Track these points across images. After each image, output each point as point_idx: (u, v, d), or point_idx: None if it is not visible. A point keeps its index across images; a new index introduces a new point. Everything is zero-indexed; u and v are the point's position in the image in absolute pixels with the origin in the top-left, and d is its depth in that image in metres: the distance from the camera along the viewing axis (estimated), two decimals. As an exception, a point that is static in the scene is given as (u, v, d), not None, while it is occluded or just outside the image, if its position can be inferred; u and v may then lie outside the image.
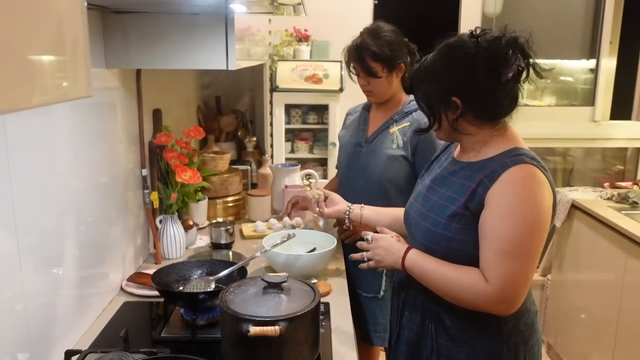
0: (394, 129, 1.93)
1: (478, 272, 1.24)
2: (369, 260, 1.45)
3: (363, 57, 1.88)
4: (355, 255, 1.49)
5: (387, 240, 1.42)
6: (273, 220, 2.26)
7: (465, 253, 1.27)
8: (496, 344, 1.30)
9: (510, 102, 1.28)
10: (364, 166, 1.97)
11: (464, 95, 1.25)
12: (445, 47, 1.30)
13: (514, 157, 1.24)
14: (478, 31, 1.27)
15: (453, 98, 1.26)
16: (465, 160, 1.34)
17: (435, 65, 1.30)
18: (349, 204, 1.77)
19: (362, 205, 1.76)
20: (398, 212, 1.61)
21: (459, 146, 1.41)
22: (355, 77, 1.99)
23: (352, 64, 1.93)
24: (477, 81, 1.24)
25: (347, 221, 1.77)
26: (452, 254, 1.29)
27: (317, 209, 1.81)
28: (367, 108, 2.09)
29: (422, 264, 1.33)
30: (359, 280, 2.00)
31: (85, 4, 0.58)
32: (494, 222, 1.22)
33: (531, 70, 1.27)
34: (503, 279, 1.20)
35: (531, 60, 1.25)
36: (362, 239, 1.48)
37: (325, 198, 1.83)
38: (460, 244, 1.27)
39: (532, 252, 1.22)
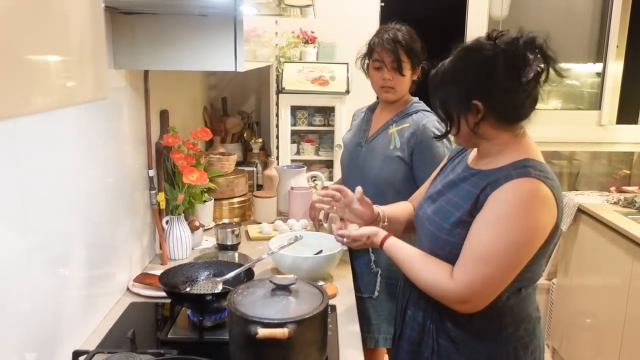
0: (393, 129, 1.94)
1: (447, 268, 1.26)
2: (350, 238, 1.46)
3: (397, 50, 1.88)
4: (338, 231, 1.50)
5: (361, 243, 1.46)
6: (279, 222, 2.26)
7: None
8: (496, 349, 1.31)
9: (531, 104, 1.27)
10: (362, 166, 1.99)
11: (485, 97, 1.24)
12: (463, 51, 1.29)
13: (521, 168, 1.23)
14: (495, 34, 1.26)
15: (474, 101, 1.24)
16: (477, 168, 1.33)
17: (453, 69, 1.29)
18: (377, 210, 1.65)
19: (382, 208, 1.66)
20: (404, 205, 1.67)
21: (473, 152, 1.40)
22: (363, 73, 1.99)
23: (379, 57, 1.91)
24: (498, 83, 1.23)
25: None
26: (456, 259, 1.28)
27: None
28: (371, 109, 2.10)
29: (401, 245, 1.38)
30: (355, 281, 2.00)
31: (103, 5, 0.58)
32: (481, 226, 1.23)
33: (551, 71, 1.25)
34: (469, 281, 1.22)
35: (551, 60, 1.23)
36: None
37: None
38: None
39: (509, 265, 1.22)
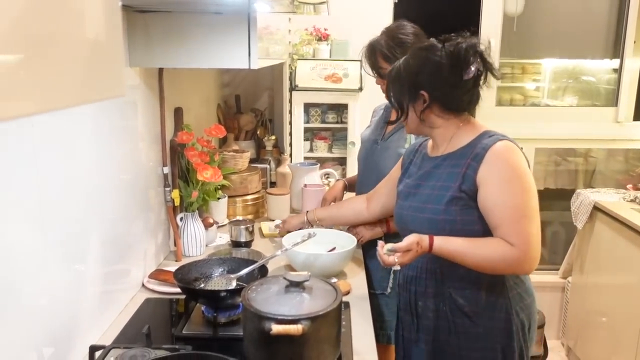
0: None
1: (501, 241, 1.36)
2: (401, 262, 1.42)
3: (375, 56, 1.89)
4: (389, 261, 1.41)
5: (413, 252, 1.40)
6: (292, 219, 2.26)
7: (469, 231, 1.40)
8: (507, 312, 1.45)
9: (470, 100, 1.47)
10: (377, 163, 1.99)
11: (431, 89, 1.44)
12: (417, 50, 1.49)
13: (490, 137, 1.42)
14: (444, 38, 1.45)
15: (421, 92, 1.45)
16: (441, 154, 1.50)
17: (408, 65, 1.48)
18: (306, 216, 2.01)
19: (314, 210, 2.03)
20: (342, 204, 2.04)
21: (429, 145, 1.57)
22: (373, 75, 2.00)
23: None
24: (443, 78, 1.43)
25: (307, 226, 1.99)
26: (457, 235, 1.41)
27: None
28: (390, 107, 2.09)
29: (449, 249, 1.41)
30: (368, 278, 2.01)
31: (120, 4, 0.59)
32: (497, 195, 1.37)
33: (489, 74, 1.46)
34: (527, 239, 1.35)
35: (488, 64, 1.44)
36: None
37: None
38: (463, 224, 1.41)
39: (536, 210, 1.38)
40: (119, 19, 0.63)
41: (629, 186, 3.11)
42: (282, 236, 2.04)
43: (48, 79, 0.52)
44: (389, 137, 1.99)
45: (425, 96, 1.45)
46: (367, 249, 2.03)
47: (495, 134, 1.44)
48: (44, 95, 0.52)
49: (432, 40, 1.49)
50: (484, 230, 1.40)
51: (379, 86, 1.97)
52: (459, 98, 1.45)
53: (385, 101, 2.15)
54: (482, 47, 1.43)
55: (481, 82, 1.45)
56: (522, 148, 1.45)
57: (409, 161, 1.64)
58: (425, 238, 1.40)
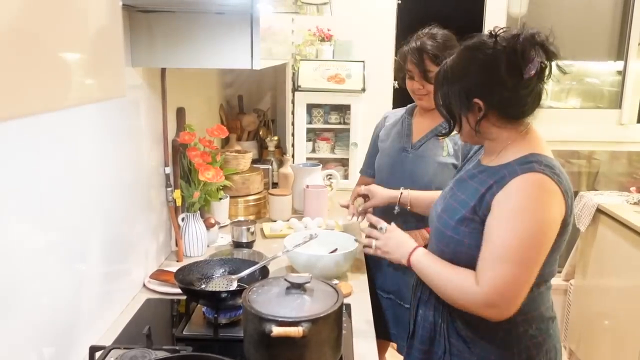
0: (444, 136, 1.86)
1: (471, 274, 1.24)
2: (377, 248, 1.50)
3: (422, 59, 1.82)
4: (364, 241, 1.55)
5: (400, 234, 1.48)
6: (294, 220, 2.26)
7: (474, 257, 1.25)
8: (507, 348, 1.30)
9: (534, 101, 1.26)
10: (411, 172, 1.91)
11: (486, 96, 1.24)
12: (464, 50, 1.30)
13: (526, 164, 1.23)
14: (496, 31, 1.26)
15: (475, 100, 1.25)
16: (484, 164, 1.33)
17: (455, 68, 1.29)
18: (400, 190, 1.81)
19: (407, 189, 1.82)
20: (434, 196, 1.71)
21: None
22: (394, 82, 1.95)
23: (407, 67, 1.87)
24: (500, 80, 1.22)
25: (396, 207, 1.80)
26: (461, 257, 1.29)
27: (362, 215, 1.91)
28: (410, 113, 2.01)
29: (426, 263, 1.36)
30: (379, 281, 2.00)
31: (120, 3, 0.59)
32: (494, 226, 1.22)
33: (554, 68, 1.25)
34: (492, 282, 1.19)
35: (553, 56, 1.24)
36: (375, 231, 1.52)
37: (365, 196, 1.90)
38: (468, 248, 1.27)
39: (529, 261, 1.20)
40: (120, 19, 0.63)
41: (633, 189, 3.09)
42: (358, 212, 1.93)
43: (48, 78, 0.52)
44: (420, 146, 1.91)
45: (481, 104, 1.25)
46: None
47: (536, 161, 1.23)
48: (44, 95, 0.52)
49: (482, 35, 1.29)
50: None
51: (418, 90, 1.88)
52: (521, 102, 1.24)
53: (381, 102, 2.12)
54: (542, 37, 1.22)
55: (545, 77, 1.24)
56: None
57: (470, 157, 1.52)
58: (411, 247, 1.41)
